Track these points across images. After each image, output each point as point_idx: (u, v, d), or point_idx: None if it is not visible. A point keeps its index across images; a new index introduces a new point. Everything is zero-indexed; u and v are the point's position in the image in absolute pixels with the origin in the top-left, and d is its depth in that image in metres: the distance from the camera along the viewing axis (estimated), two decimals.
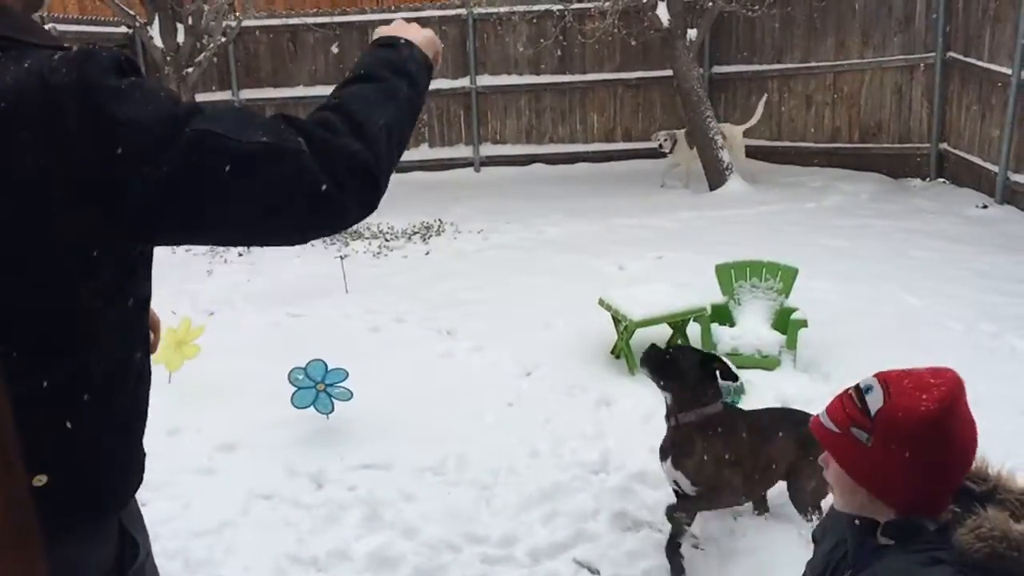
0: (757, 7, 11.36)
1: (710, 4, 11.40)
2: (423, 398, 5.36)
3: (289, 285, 7.95)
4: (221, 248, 9.30)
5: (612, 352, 5.91)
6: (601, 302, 5.87)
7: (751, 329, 5.67)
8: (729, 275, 5.94)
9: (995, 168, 10.07)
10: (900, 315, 6.49)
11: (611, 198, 11.25)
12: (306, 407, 4.89)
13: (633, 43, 12.54)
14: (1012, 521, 1.74)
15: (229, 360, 5.93)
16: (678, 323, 5.80)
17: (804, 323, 5.55)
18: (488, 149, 13.65)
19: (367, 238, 9.45)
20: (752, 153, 12.83)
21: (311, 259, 8.81)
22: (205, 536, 4.00)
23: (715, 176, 11.30)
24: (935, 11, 11.15)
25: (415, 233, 9.59)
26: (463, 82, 13.35)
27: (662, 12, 11.00)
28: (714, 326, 5.82)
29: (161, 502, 4.24)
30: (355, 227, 9.89)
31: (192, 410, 5.21)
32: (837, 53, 12.22)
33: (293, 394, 4.87)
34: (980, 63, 10.40)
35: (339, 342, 6.32)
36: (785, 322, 5.71)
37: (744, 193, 11.06)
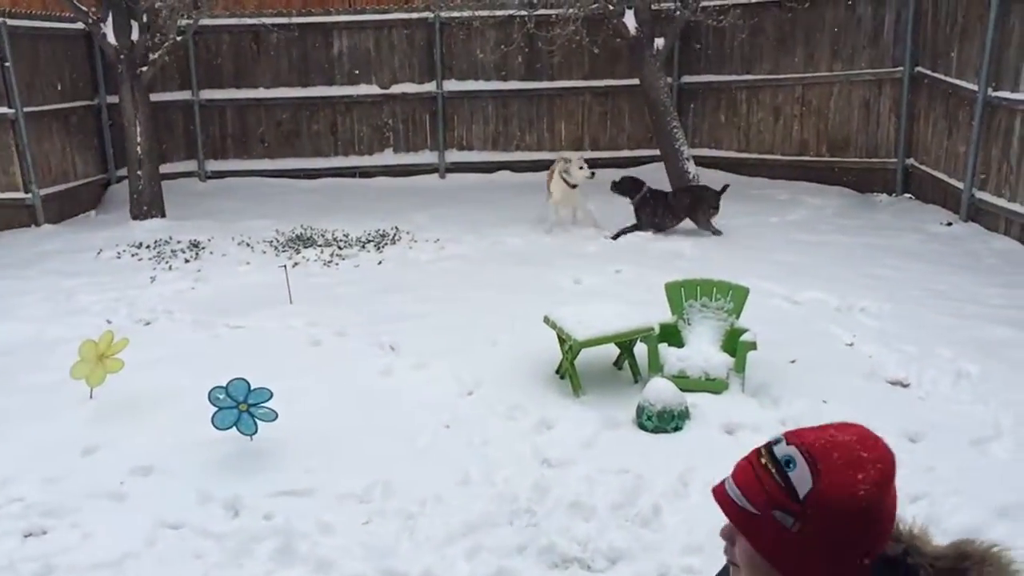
0: (723, 17, 11.21)
1: (677, 13, 11.24)
2: (356, 419, 5.13)
3: (233, 294, 7.69)
4: (168, 253, 9.02)
5: (557, 371, 5.70)
6: (546, 320, 5.67)
7: (699, 350, 5.48)
8: (679, 293, 5.75)
9: (960, 185, 9.96)
10: (854, 337, 6.32)
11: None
12: (228, 428, 4.64)
13: (596, 51, 12.35)
14: None
15: (157, 375, 5.68)
16: (625, 343, 5.61)
17: (753, 345, 5.37)
18: (454, 155, 13.42)
19: (320, 245, 9.20)
20: (720, 164, 12.71)
21: (260, 266, 8.56)
22: (103, 570, 3.75)
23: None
24: (904, 25, 11.05)
25: (369, 241, 9.34)
26: (429, 87, 13.12)
27: (629, 20, 10.81)
28: (662, 346, 5.63)
29: (61, 531, 4.00)
30: (309, 234, 9.68)
31: (111, 428, 4.96)
32: (806, 65, 12.10)
33: (214, 415, 4.63)
34: (947, 78, 10.30)
35: (276, 356, 6.08)
36: (735, 343, 5.53)
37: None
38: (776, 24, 12.08)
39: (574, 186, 9.85)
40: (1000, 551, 1.60)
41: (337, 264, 8.58)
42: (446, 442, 4.90)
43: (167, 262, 8.73)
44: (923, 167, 11.01)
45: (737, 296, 5.62)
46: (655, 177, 12.62)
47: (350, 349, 6.31)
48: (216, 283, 8.04)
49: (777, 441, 1.62)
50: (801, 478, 1.54)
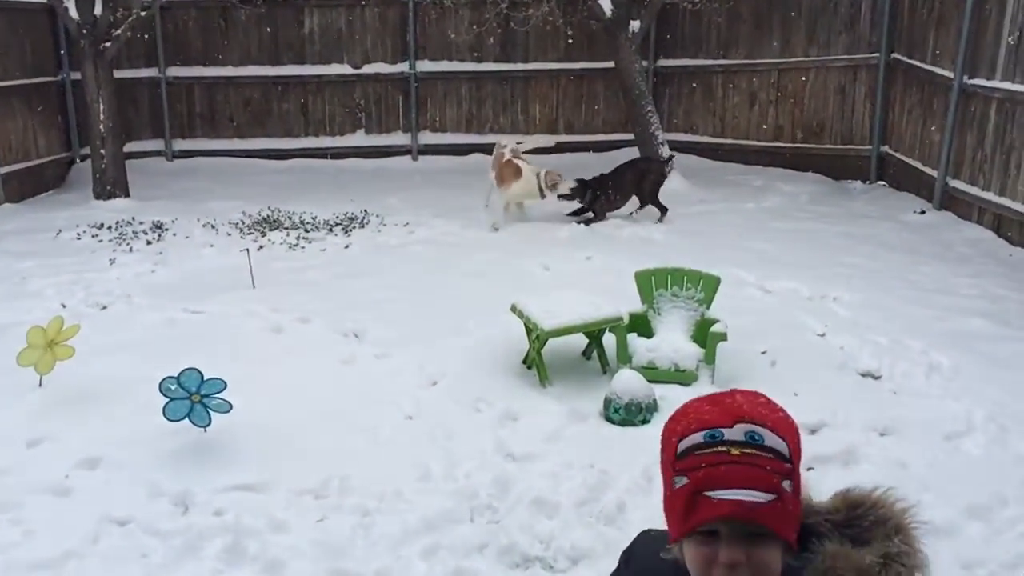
0: (698, 1, 11.05)
1: None
2: (315, 410, 4.98)
3: (195, 277, 7.49)
4: (129, 235, 8.79)
5: (524, 362, 5.57)
6: (513, 309, 5.54)
7: (669, 341, 5.37)
8: (649, 282, 5.63)
9: (934, 173, 9.91)
10: (826, 328, 6.23)
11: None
12: (180, 420, 4.48)
13: (570, 33, 12.17)
14: (854, 548, 1.52)
15: (110, 362, 5.50)
16: (593, 332, 5.49)
17: (723, 336, 5.26)
18: (427, 137, 13.21)
19: (286, 228, 8.99)
20: (695, 150, 12.60)
21: (224, 248, 8.35)
22: (43, 570, 3.59)
23: None
24: (880, 11, 10.96)
25: (337, 224, 9.15)
26: (402, 67, 12.88)
27: (604, 1, 10.65)
28: (631, 337, 5.51)
29: (1, 528, 3.82)
30: (276, 216, 9.47)
31: (58, 419, 4.78)
32: (782, 50, 11.99)
33: (165, 406, 4.46)
34: (923, 65, 10.23)
35: (235, 343, 5.91)
36: (705, 334, 5.42)
37: (683, 192, 10.77)
38: (752, 8, 11.95)
39: (544, 197, 9.26)
40: (885, 493, 1.61)
41: (303, 248, 8.39)
42: (407, 435, 4.76)
43: (128, 244, 8.51)
44: (897, 154, 10.95)
45: (708, 285, 5.51)
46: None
47: (312, 336, 6.14)
48: (177, 266, 7.83)
49: (719, 432, 1.50)
50: (774, 440, 1.49)
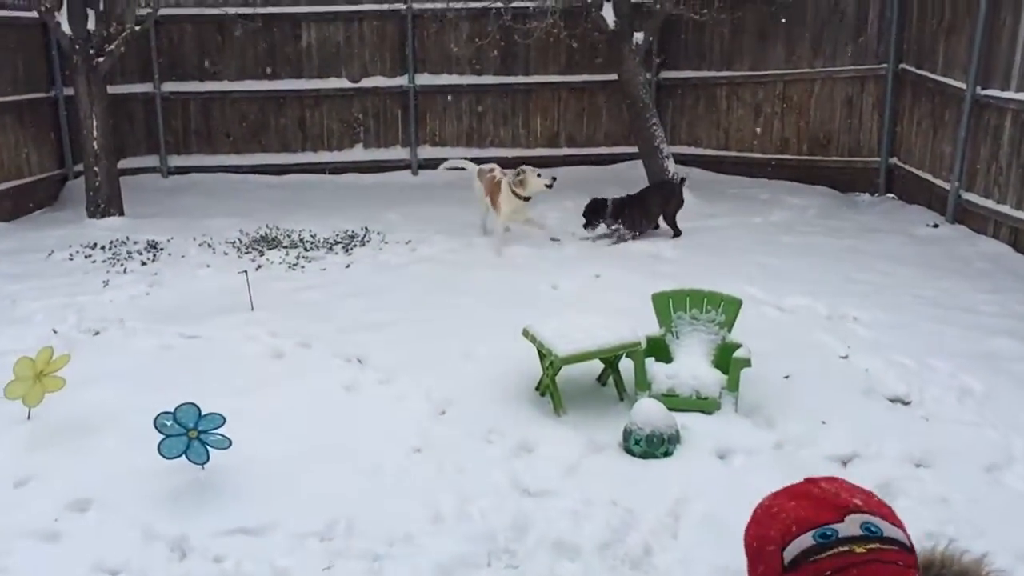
0: (706, 11, 10.85)
1: (658, 7, 10.89)
2: (317, 443, 4.73)
3: (191, 300, 7.24)
4: (124, 255, 8.54)
5: (537, 388, 5.33)
6: (526, 333, 5.29)
7: (689, 367, 5.13)
8: (667, 305, 5.39)
9: (946, 185, 9.70)
10: (848, 349, 6.00)
11: (550, 206, 10.65)
12: (176, 457, 4.23)
13: (574, 45, 11.95)
14: None
15: (103, 392, 5.24)
16: (610, 358, 5.24)
17: (747, 362, 5.02)
18: (426, 151, 12.98)
19: (285, 247, 8.75)
20: (699, 163, 12.39)
21: (222, 268, 8.10)
22: None
23: None
24: (888, 21, 10.78)
25: (338, 243, 8.90)
26: (401, 80, 12.67)
27: (608, 13, 10.45)
28: (649, 362, 5.27)
29: None
30: (274, 234, 9.23)
31: (47, 455, 4.53)
32: (787, 61, 11.80)
33: (160, 442, 4.21)
34: (933, 76, 10.03)
35: (233, 371, 5.66)
36: (727, 359, 5.18)
37: (690, 206, 10.50)
38: (757, 19, 11.75)
39: (527, 198, 8.68)
40: (948, 548, 1.49)
41: (303, 267, 8.14)
42: (416, 470, 4.51)
43: (122, 264, 8.25)
44: (907, 167, 10.75)
45: (729, 308, 5.28)
46: (632, 176, 12.32)
47: (313, 362, 5.89)
48: (173, 288, 7.59)
49: (830, 530, 1.29)
50: (892, 530, 1.33)
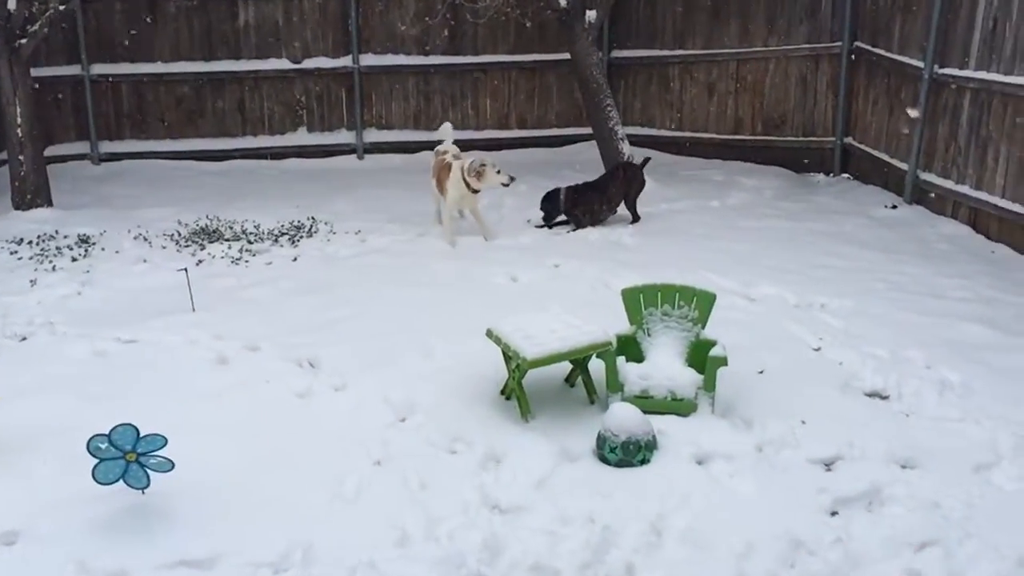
0: None
1: None
2: (269, 459, 4.38)
3: (127, 299, 6.79)
4: (53, 251, 8.02)
5: (502, 392, 5.03)
6: (489, 334, 4.98)
7: (663, 366, 4.88)
8: (638, 300, 5.12)
9: (903, 165, 9.61)
10: (820, 341, 5.81)
11: (506, 192, 10.31)
12: (113, 482, 3.85)
13: (528, 24, 11.59)
14: None
15: (31, 407, 4.82)
16: (579, 358, 4.96)
17: (724, 361, 4.78)
18: (372, 135, 12.53)
19: (228, 239, 8.29)
20: (652, 144, 12.15)
21: (159, 264, 7.64)
22: None
23: None
24: None
25: (283, 234, 8.47)
26: (344, 61, 12.18)
27: None
28: (620, 361, 5.00)
29: None
30: (215, 226, 8.76)
31: None
32: (741, 40, 11.58)
33: (95, 467, 3.82)
34: (888, 54, 9.90)
35: (174, 380, 5.27)
36: (701, 357, 4.94)
37: (646, 190, 10.29)
38: None
39: (476, 191, 8.28)
40: None
41: (247, 261, 7.71)
42: (377, 486, 4.19)
43: (51, 261, 7.73)
44: (862, 146, 10.64)
45: (702, 303, 5.03)
46: (585, 158, 12.04)
47: (262, 367, 5.51)
48: (107, 286, 7.11)
49: None
50: None
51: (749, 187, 10.60)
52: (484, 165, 8.22)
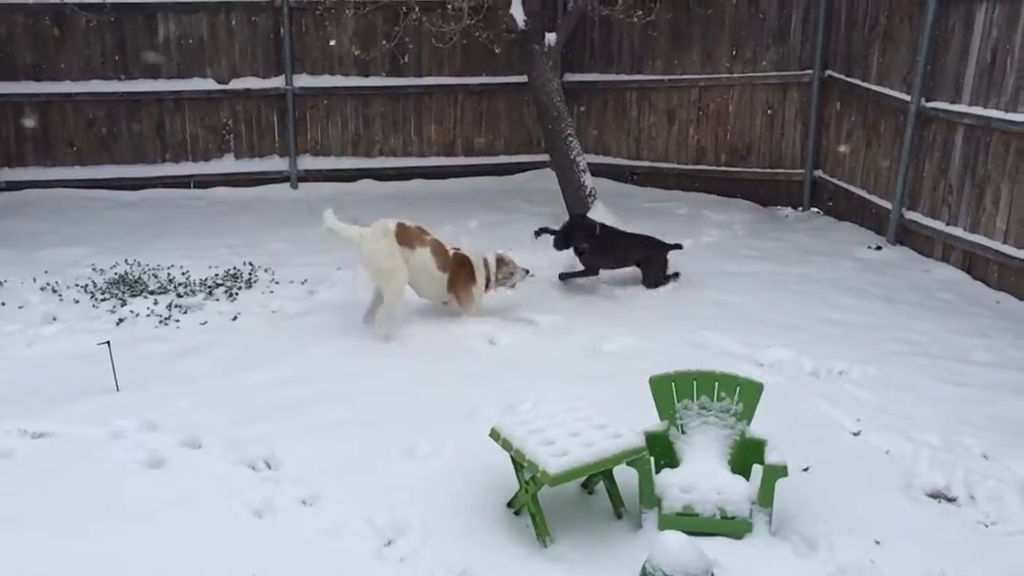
0: (634, 12, 9.79)
1: (571, 5, 9.84)
2: None
3: (36, 374, 5.68)
4: None
5: (510, 505, 4.15)
6: (496, 437, 4.09)
7: (706, 474, 4.06)
8: (669, 390, 4.29)
9: (883, 202, 9.08)
10: (857, 423, 5.09)
11: (458, 226, 9.43)
12: None
13: (497, 49, 10.68)
14: None
15: None
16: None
17: (784, 471, 3.98)
18: (307, 162, 11.51)
19: (153, 292, 7.18)
20: (608, 172, 11.45)
21: (73, 323, 6.53)
22: None
23: (577, 203, 9.73)
24: (813, 24, 10.07)
25: (218, 284, 7.39)
26: (276, 82, 11.14)
27: (516, 11, 9.31)
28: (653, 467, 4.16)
29: None
30: (136, 274, 7.64)
31: None
32: (703, 65, 10.96)
33: None
34: (866, 85, 9.38)
35: (97, 493, 4.23)
36: (747, 459, 4.15)
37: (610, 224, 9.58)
38: (671, 19, 10.81)
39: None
40: None
41: (178, 321, 6.63)
42: None
43: None
44: (835, 180, 10.11)
45: (747, 394, 4.23)
46: (537, 188, 11.25)
47: (206, 471, 4.50)
48: (10, 355, 5.97)
49: None
50: None
51: (718, 223, 9.97)
52: (509, 262, 6.87)
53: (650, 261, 7.78)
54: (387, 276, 6.31)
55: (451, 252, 6.65)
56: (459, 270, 6.63)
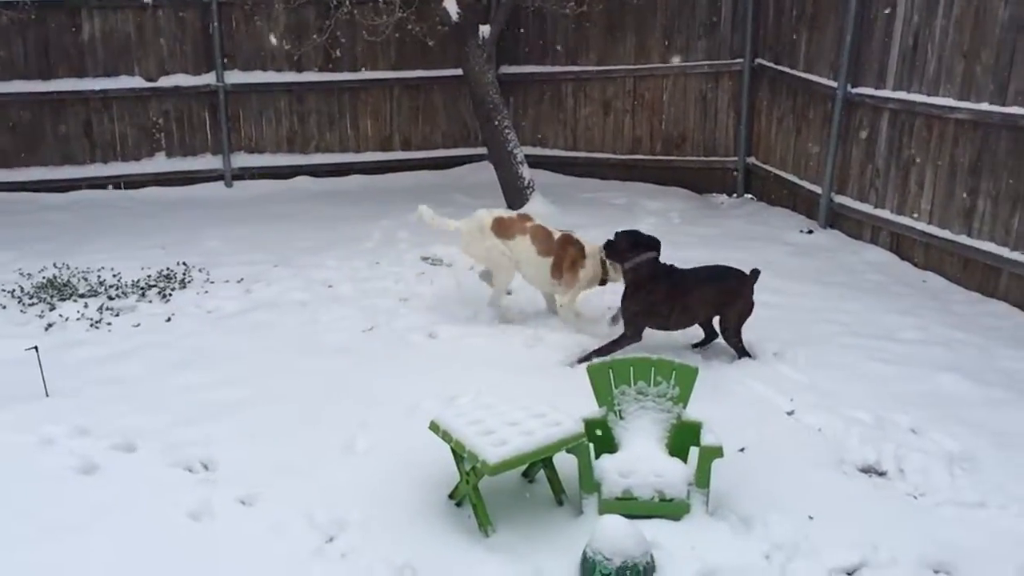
0: (571, 3, 9.84)
1: None
2: None
3: None
4: None
5: (451, 496, 4.16)
6: (436, 429, 4.08)
7: (645, 458, 4.11)
8: (607, 377, 4.33)
9: (813, 187, 9.27)
10: (791, 402, 5.20)
11: (396, 221, 9.39)
12: None
13: (431, 43, 10.65)
14: None
15: None
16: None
17: (719, 451, 4.04)
18: (241, 159, 11.35)
19: (83, 295, 7.01)
20: (546, 164, 11.49)
21: (1, 332, 6.34)
22: None
23: (515, 196, 9.79)
24: (742, 13, 10.22)
25: (151, 286, 7.24)
26: (207, 79, 10.96)
27: (450, 4, 9.28)
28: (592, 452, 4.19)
29: None
30: (65, 277, 7.46)
31: None
32: (637, 56, 11.06)
33: None
34: (794, 72, 9.55)
35: (27, 501, 4.14)
36: (684, 442, 4.21)
37: (548, 215, 9.57)
38: (604, 10, 10.89)
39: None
40: None
41: (109, 324, 6.48)
42: None
43: None
44: (767, 167, 10.28)
45: (683, 378, 4.29)
46: (476, 181, 11.25)
47: (141, 474, 4.42)
48: None
49: None
50: None
51: (654, 211, 10.07)
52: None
53: (729, 304, 5.72)
54: (491, 266, 6.52)
55: (556, 235, 6.43)
56: (563, 251, 6.29)
